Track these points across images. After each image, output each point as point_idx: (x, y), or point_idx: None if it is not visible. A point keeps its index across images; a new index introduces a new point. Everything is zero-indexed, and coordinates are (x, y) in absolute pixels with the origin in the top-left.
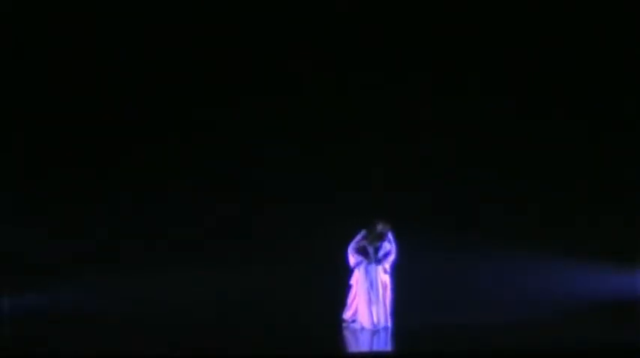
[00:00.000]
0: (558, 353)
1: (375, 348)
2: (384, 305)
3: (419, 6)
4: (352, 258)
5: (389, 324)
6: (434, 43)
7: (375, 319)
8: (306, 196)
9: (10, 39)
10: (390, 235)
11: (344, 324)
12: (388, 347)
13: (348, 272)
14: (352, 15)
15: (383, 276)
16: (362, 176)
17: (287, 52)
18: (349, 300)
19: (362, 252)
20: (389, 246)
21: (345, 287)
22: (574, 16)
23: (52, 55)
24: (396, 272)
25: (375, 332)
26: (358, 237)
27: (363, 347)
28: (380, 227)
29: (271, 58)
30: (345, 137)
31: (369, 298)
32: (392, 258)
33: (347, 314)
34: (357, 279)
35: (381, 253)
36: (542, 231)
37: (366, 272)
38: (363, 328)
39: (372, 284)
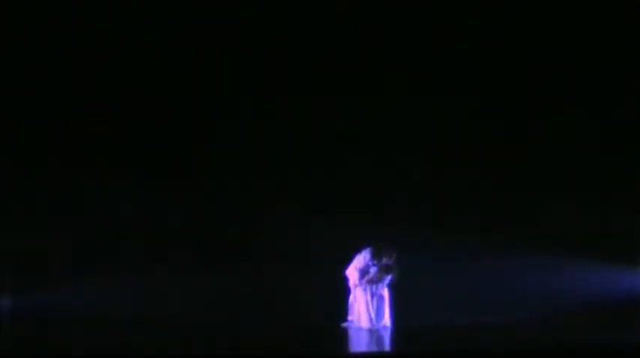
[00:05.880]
0: (558, 353)
1: (375, 348)
2: (383, 305)
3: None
4: (353, 280)
5: (388, 324)
6: (434, 51)
7: (374, 319)
8: (305, 196)
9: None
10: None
11: (344, 324)
12: (388, 347)
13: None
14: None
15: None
16: (363, 177)
17: (298, 63)
18: (349, 301)
19: (368, 283)
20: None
21: (346, 288)
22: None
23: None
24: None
25: (374, 331)
26: (367, 263)
27: (363, 347)
28: (385, 259)
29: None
30: (346, 140)
31: (367, 298)
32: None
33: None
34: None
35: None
36: (542, 231)
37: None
38: (362, 328)
39: (370, 285)
